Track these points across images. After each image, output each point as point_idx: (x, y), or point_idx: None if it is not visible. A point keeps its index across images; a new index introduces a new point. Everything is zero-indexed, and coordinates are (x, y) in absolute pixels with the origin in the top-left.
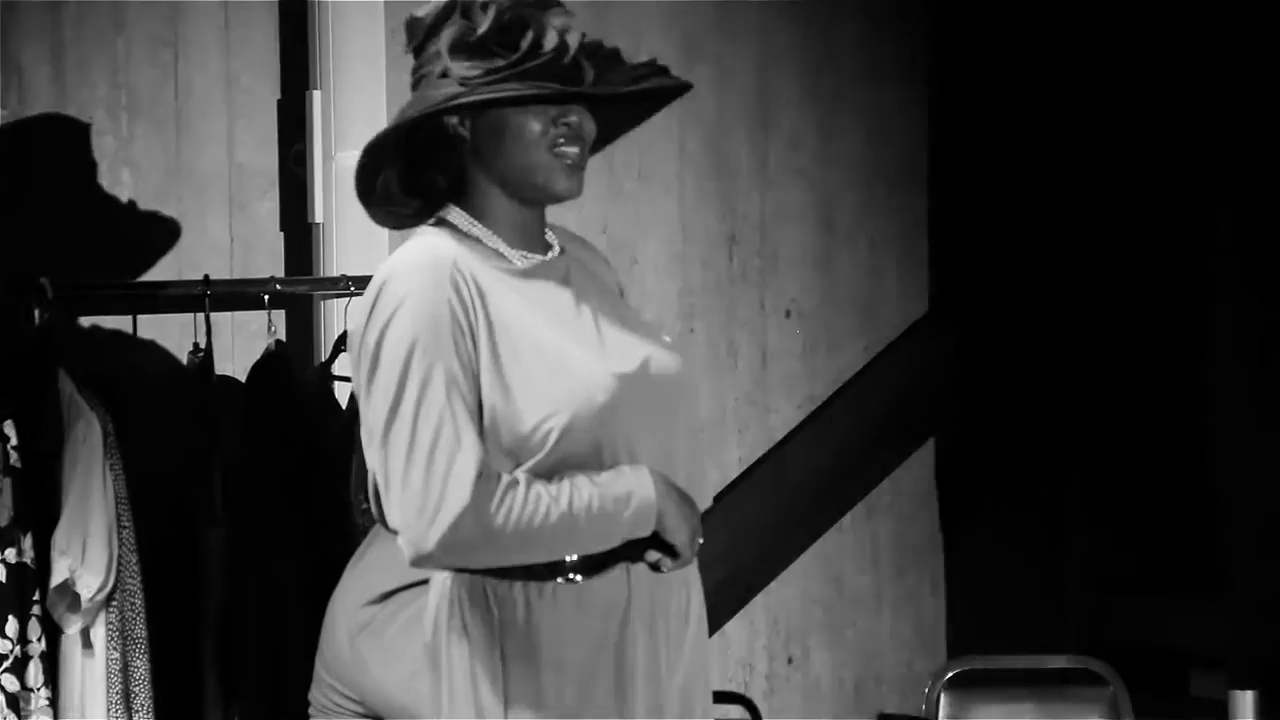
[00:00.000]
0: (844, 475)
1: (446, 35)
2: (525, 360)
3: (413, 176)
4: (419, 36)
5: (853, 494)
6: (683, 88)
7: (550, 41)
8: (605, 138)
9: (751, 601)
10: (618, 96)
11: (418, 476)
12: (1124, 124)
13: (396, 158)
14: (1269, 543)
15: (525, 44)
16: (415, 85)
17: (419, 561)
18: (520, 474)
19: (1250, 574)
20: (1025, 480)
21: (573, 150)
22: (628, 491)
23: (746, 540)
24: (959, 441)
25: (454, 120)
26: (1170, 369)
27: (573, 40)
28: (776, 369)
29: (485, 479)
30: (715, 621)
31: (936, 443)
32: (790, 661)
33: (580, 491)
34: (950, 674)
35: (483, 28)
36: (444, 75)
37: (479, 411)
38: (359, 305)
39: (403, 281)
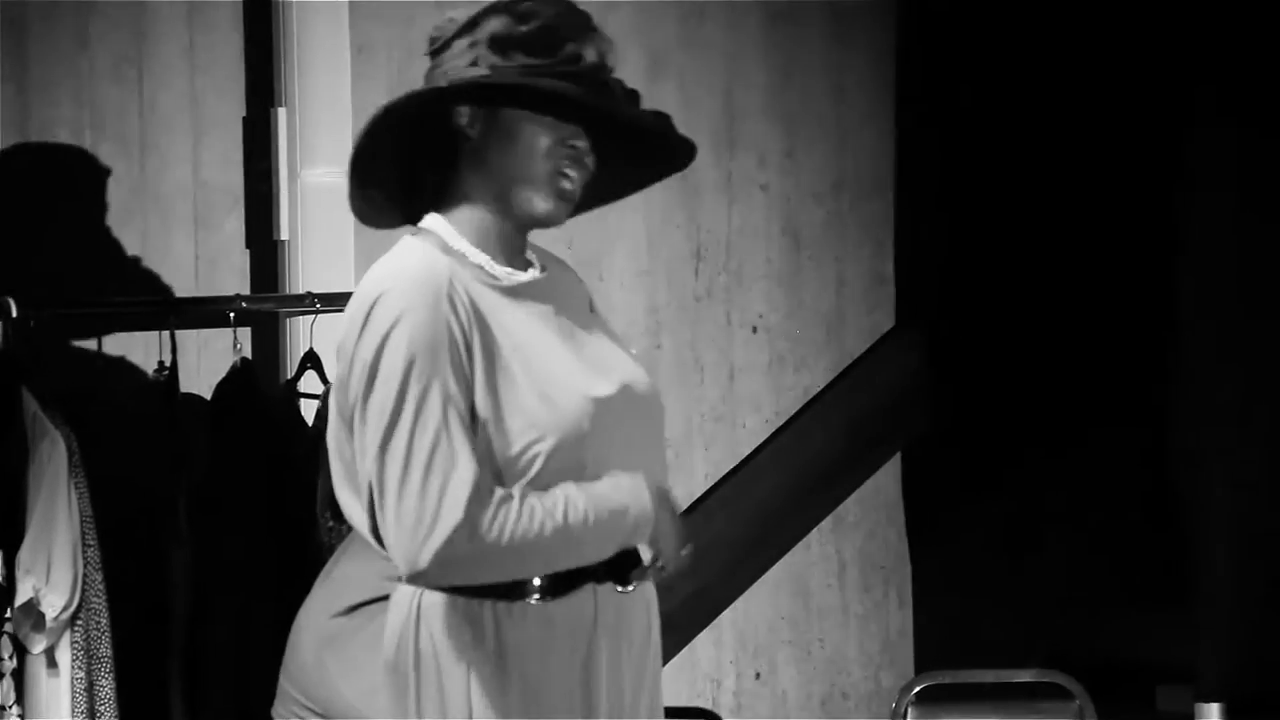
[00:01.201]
0: (811, 490)
1: (487, 28)
2: (516, 382)
3: (403, 171)
4: (449, 33)
5: (820, 509)
6: (689, 150)
7: (590, 56)
8: (595, 197)
9: (719, 617)
10: (645, 126)
11: (412, 494)
12: (1088, 136)
13: (392, 145)
14: (1235, 556)
15: (566, 52)
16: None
17: (414, 579)
18: (515, 489)
19: (1216, 588)
20: (992, 495)
21: (573, 174)
22: (624, 505)
23: (714, 555)
24: (926, 456)
25: (464, 118)
26: (1138, 383)
27: (611, 63)
28: (743, 384)
29: (479, 496)
30: (683, 637)
31: (903, 457)
32: (758, 676)
33: (575, 505)
34: (917, 688)
35: (528, 26)
36: (473, 65)
37: (473, 429)
38: (347, 318)
39: (400, 296)
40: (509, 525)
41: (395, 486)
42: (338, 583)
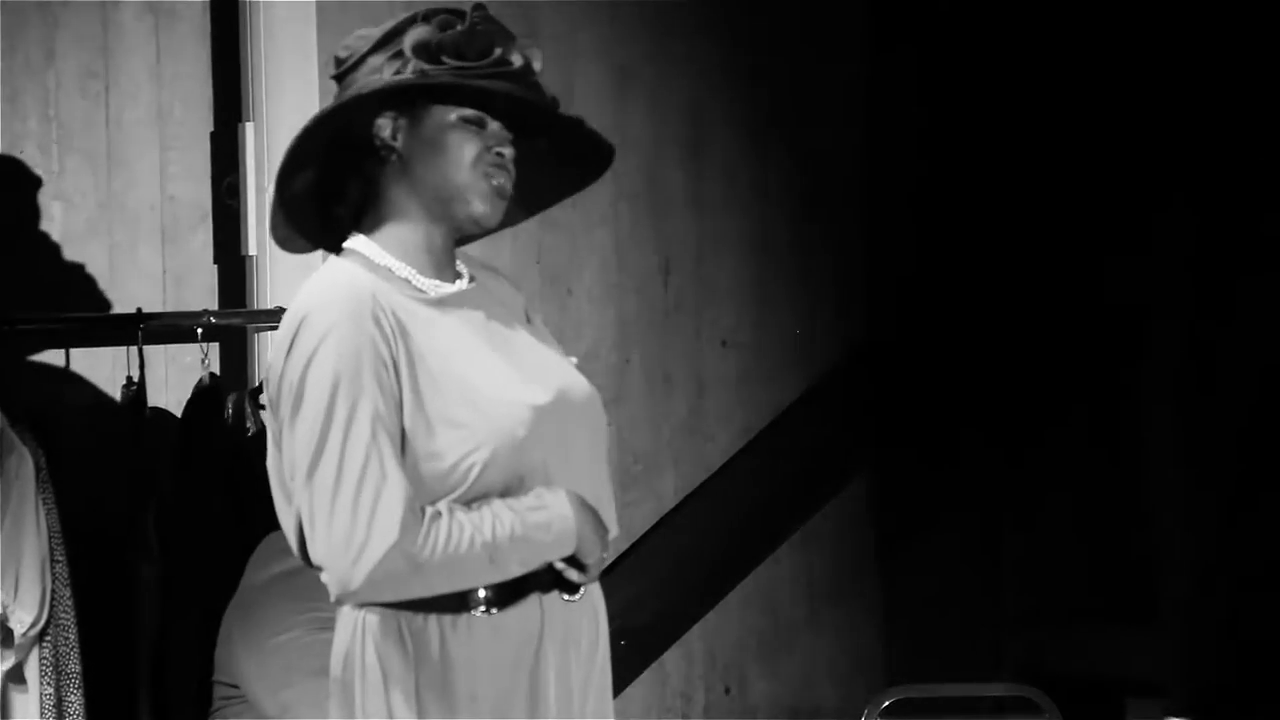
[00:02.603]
0: (780, 505)
1: (410, 38)
2: (447, 395)
3: (325, 191)
4: (362, 50)
5: (789, 523)
6: (611, 152)
7: (517, 60)
8: (525, 207)
9: (688, 632)
10: (573, 123)
11: (344, 514)
12: (1060, 157)
13: (315, 163)
14: (1204, 571)
15: (495, 55)
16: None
17: (344, 598)
18: (442, 505)
19: (1185, 602)
20: (960, 509)
21: (502, 176)
22: (548, 519)
23: (683, 570)
24: (895, 470)
25: (386, 131)
26: (1104, 402)
27: (537, 66)
28: (713, 399)
29: (411, 514)
30: (652, 652)
31: (872, 471)
32: (728, 691)
33: (501, 519)
34: (886, 702)
35: (452, 32)
36: (398, 74)
37: (402, 446)
38: (276, 340)
39: (323, 316)
40: (440, 542)
41: (326, 507)
42: (254, 566)
